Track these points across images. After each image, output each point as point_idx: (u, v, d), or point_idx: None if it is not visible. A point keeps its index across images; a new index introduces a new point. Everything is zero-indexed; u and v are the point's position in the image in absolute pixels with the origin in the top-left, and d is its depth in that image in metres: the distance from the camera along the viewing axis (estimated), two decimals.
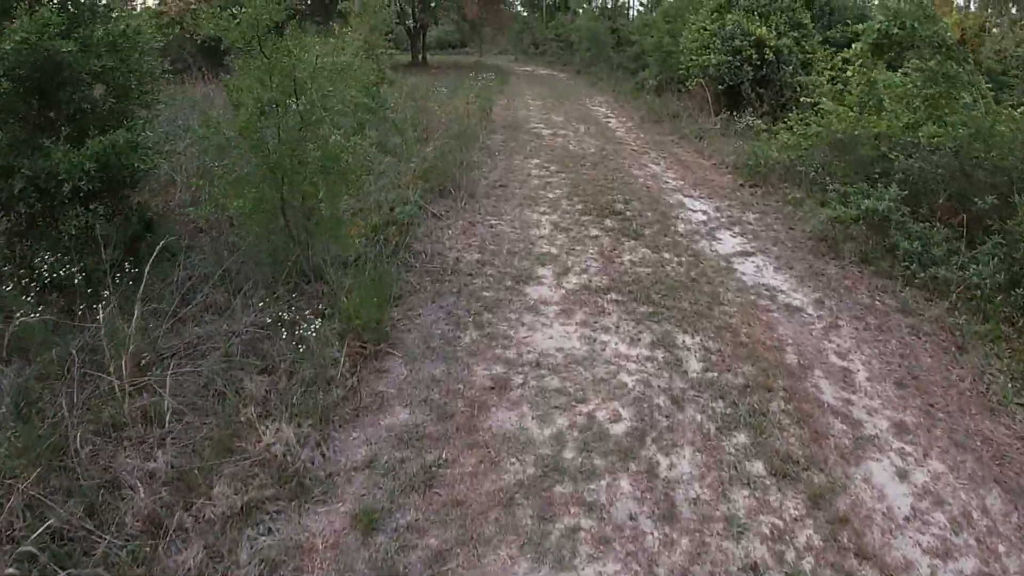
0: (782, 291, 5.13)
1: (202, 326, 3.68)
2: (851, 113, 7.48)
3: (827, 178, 7.71)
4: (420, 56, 30.85)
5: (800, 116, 9.38)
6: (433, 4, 28.05)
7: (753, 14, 12.99)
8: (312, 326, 3.52)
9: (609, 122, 13.26)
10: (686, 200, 7.48)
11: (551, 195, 7.14)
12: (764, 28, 12.61)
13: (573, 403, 3.44)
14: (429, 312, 4.20)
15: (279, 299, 3.90)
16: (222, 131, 3.93)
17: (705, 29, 12.90)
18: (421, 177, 6.58)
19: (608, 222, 6.30)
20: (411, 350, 3.83)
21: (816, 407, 3.56)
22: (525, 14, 43.06)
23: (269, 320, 3.59)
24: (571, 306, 4.40)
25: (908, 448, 3.29)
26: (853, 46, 8.85)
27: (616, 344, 4.03)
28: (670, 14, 21.19)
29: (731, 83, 12.49)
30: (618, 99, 17.92)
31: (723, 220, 6.83)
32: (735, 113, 12.72)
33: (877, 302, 5.09)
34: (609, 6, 42.27)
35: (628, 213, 6.66)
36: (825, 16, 14.62)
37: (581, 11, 39.74)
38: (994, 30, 16.49)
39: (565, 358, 3.84)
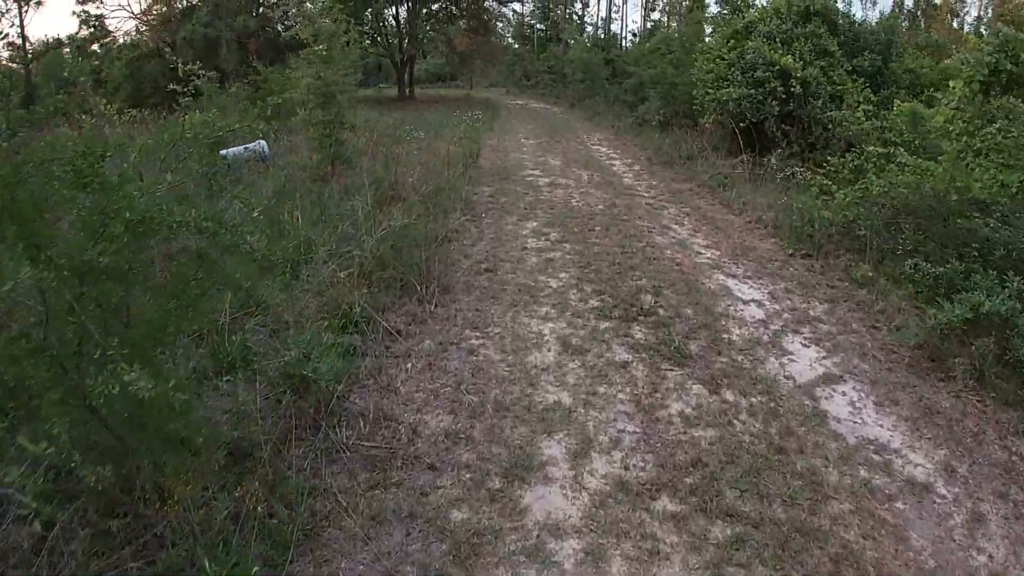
0: (896, 451, 3.33)
1: None
2: (941, 170, 5.78)
3: (896, 245, 6.06)
4: (407, 90, 29.43)
5: (852, 162, 7.76)
6: (421, 36, 26.69)
7: (775, 41, 11.44)
8: None
9: (613, 164, 11.57)
10: (730, 282, 5.70)
11: (555, 282, 5.33)
12: (789, 57, 11.04)
13: None
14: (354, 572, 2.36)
15: None
16: None
17: (721, 58, 11.31)
18: (374, 266, 4.79)
19: (637, 332, 4.48)
20: None
21: None
22: (516, 46, 42.02)
23: None
24: (601, 539, 2.55)
25: None
26: (951, 85, 7.18)
27: None
28: (672, 43, 19.84)
29: (753, 120, 10.87)
30: (619, 135, 16.34)
31: (786, 316, 5.03)
32: (757, 154, 11.10)
33: (1015, 457, 3.33)
34: (601, 36, 41.37)
35: (661, 312, 4.86)
36: (849, 43, 13.10)
37: (572, 42, 38.72)
38: None
39: None
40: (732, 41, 11.49)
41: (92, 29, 23.06)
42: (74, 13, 22.90)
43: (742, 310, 5.14)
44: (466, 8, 29.09)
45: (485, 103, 26.71)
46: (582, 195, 8.63)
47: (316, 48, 6.98)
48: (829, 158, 8.95)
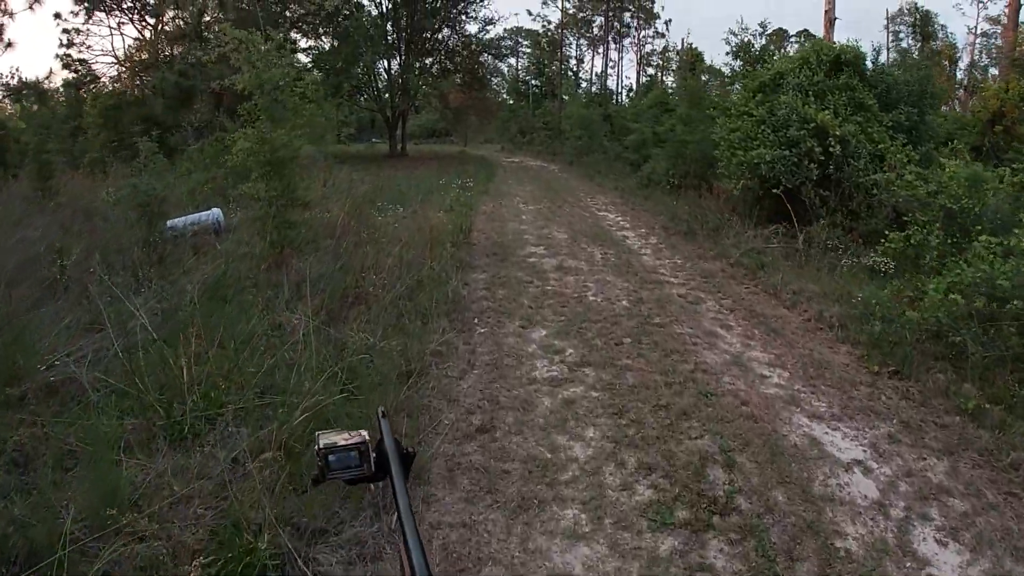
0: None
1: None
2: None
3: (1000, 351, 4.61)
4: (400, 146, 28.33)
5: (916, 237, 6.40)
6: (413, 91, 25.69)
7: (807, 95, 10.11)
8: None
9: (627, 237, 10.03)
10: (817, 429, 4.02)
11: (580, 449, 3.61)
12: (826, 112, 9.69)
13: None
14: None
15: None
16: None
17: (749, 115, 9.93)
18: (307, 443, 3.09)
19: (716, 554, 2.78)
20: None
21: None
22: (511, 102, 41.48)
23: None
24: None
25: None
26: None
27: None
28: (676, 97, 18.76)
29: (788, 185, 9.41)
30: (625, 198, 14.94)
31: (903, 488, 3.39)
32: (793, 224, 9.63)
33: None
34: (597, 91, 40.88)
35: (743, 504, 3.17)
36: (882, 95, 11.78)
37: (567, 98, 38.12)
38: None
39: None
40: (759, 95, 10.15)
41: (75, 74, 21.93)
42: (57, 56, 21.88)
43: (847, 484, 3.46)
44: (460, 63, 28.29)
45: (480, 161, 25.55)
46: (599, 284, 7.02)
47: (257, 102, 5.44)
48: (886, 232, 7.58)
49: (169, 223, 7.76)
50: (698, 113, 15.57)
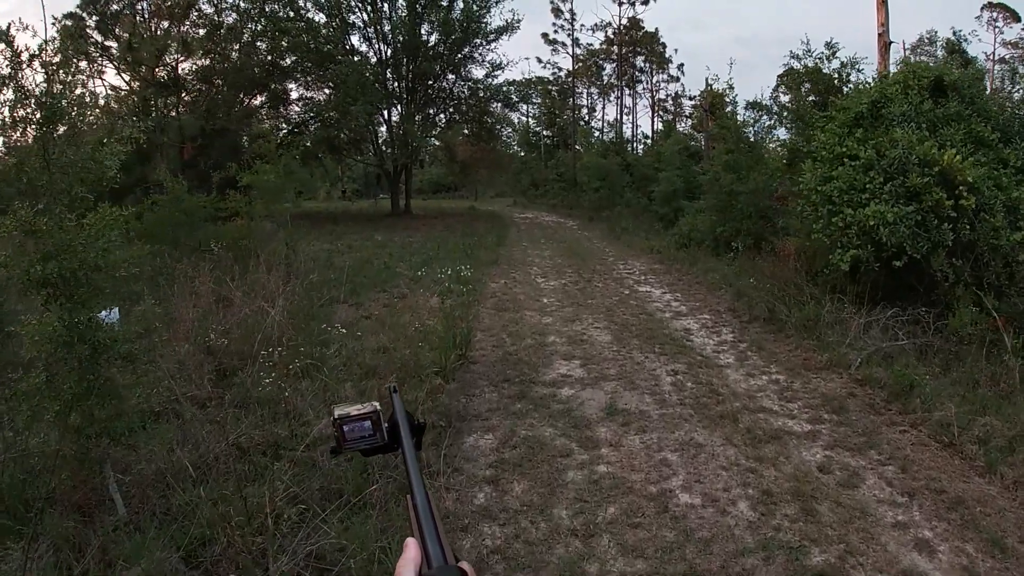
0: None
1: None
2: None
3: None
4: (404, 203, 26.02)
5: None
6: (414, 143, 23.51)
7: (920, 128, 7.43)
8: None
9: (690, 332, 7.25)
10: None
11: None
12: (953, 152, 7.01)
13: None
14: None
15: None
16: None
17: (852, 157, 7.22)
18: None
19: None
20: None
21: None
22: (523, 154, 39.50)
23: None
24: None
25: None
26: None
27: None
28: (700, 141, 16.33)
29: (914, 254, 6.66)
30: (665, 263, 12.26)
31: None
32: (904, 306, 6.95)
33: None
34: (612, 139, 38.77)
35: None
36: (1005, 127, 9.02)
37: (579, 147, 36.00)
38: None
39: None
40: (859, 130, 7.47)
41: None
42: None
43: None
44: (468, 112, 26.21)
45: (490, 218, 23.12)
46: (685, 453, 4.16)
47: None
48: None
49: None
50: (749, 159, 13.01)
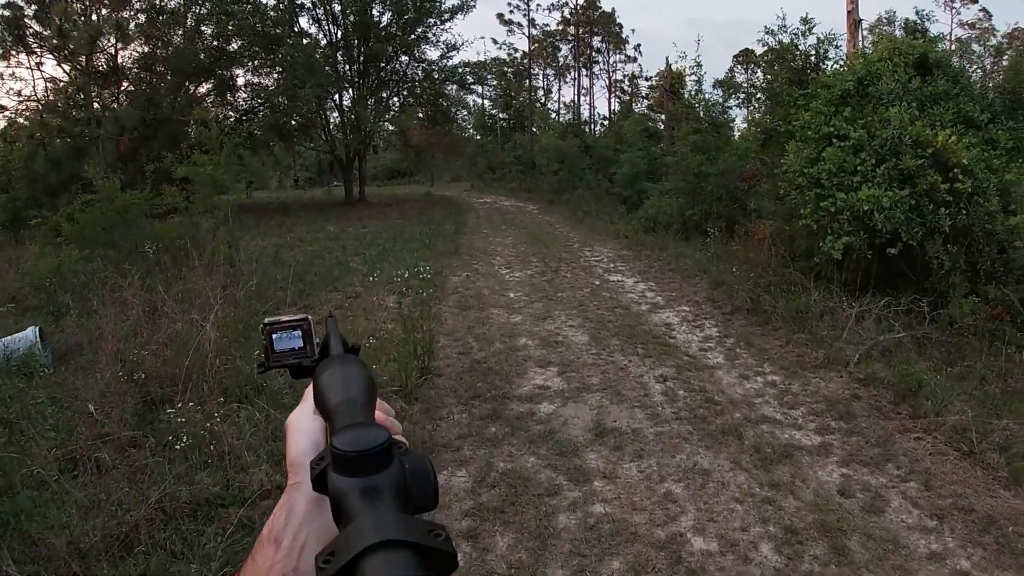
0: None
1: None
2: None
3: None
4: (358, 191, 24.80)
5: None
6: (367, 128, 22.35)
7: (911, 106, 6.99)
8: None
9: (672, 327, 6.68)
10: None
11: None
12: (948, 132, 6.60)
13: None
14: None
15: None
16: None
17: (841, 137, 6.72)
18: None
19: None
20: None
21: None
22: (479, 137, 38.46)
23: None
24: None
25: None
26: None
27: None
28: (660, 121, 15.90)
29: (910, 240, 6.22)
30: (634, 249, 11.70)
31: None
32: (897, 294, 6.57)
33: None
34: (570, 121, 38.07)
35: None
36: (991, 106, 8.73)
37: (536, 130, 35.19)
38: None
39: None
40: (847, 109, 6.97)
41: None
42: None
43: None
44: (422, 94, 25.10)
45: (448, 203, 22.24)
46: (690, 481, 3.53)
47: None
48: None
49: None
50: (717, 139, 12.54)
